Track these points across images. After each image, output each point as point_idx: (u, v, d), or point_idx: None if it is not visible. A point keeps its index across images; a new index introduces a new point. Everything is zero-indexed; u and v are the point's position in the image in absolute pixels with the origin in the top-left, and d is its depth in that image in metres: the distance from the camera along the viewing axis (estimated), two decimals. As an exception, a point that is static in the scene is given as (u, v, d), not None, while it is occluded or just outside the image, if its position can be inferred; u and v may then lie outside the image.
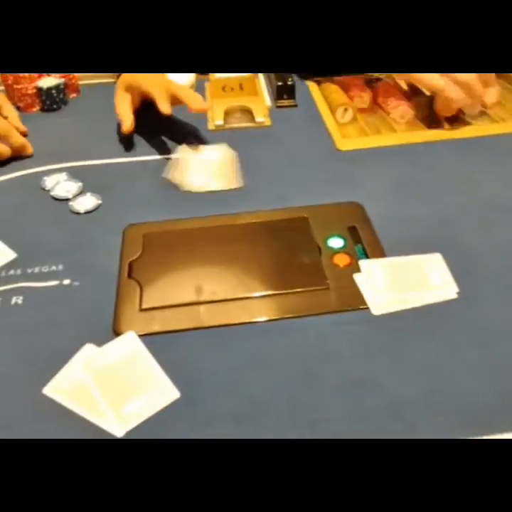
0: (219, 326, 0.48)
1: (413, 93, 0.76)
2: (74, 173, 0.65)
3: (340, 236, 0.56)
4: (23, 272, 0.53)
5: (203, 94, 0.80)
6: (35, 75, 0.77)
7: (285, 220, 0.58)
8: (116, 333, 0.47)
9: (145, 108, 0.71)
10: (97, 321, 0.48)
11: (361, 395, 0.43)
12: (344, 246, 0.55)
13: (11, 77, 0.76)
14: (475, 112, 0.72)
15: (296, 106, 0.77)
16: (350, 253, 0.54)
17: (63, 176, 0.65)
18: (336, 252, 0.54)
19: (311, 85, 0.81)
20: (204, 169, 0.65)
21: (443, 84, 0.66)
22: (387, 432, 0.40)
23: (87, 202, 0.61)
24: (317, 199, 0.60)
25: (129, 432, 0.41)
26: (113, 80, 0.73)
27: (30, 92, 0.77)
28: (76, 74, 0.81)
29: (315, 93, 0.79)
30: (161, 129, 0.71)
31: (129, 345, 0.46)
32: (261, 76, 0.83)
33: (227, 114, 0.75)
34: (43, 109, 0.78)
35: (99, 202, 0.61)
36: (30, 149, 0.69)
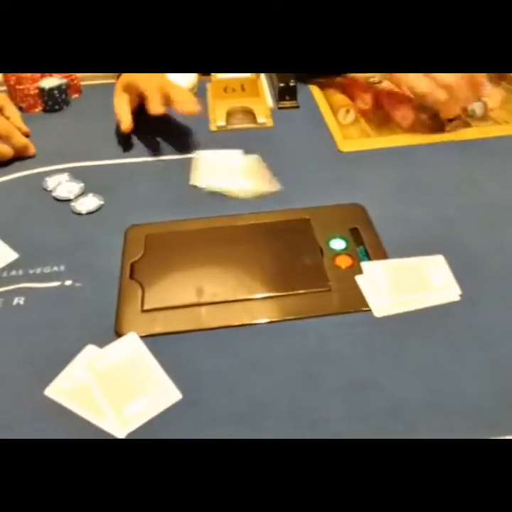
0: (221, 328, 0.48)
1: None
2: (76, 174, 0.65)
3: (342, 238, 0.55)
4: (24, 272, 0.53)
5: (205, 95, 0.80)
6: (38, 75, 0.77)
7: (287, 222, 0.58)
8: (118, 334, 0.47)
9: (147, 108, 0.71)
10: (98, 322, 0.48)
11: (363, 397, 0.42)
12: (346, 248, 0.55)
13: (13, 77, 0.76)
14: (452, 115, 0.70)
15: (298, 107, 0.77)
16: (352, 255, 0.54)
17: (65, 176, 0.65)
18: (338, 253, 0.54)
19: (313, 87, 0.81)
20: (241, 174, 0.64)
21: (427, 90, 0.65)
22: (388, 432, 0.40)
23: (89, 202, 0.61)
24: (319, 200, 0.60)
25: (130, 434, 0.41)
26: (114, 81, 0.73)
27: (32, 92, 0.77)
28: (78, 74, 0.81)
29: (317, 94, 0.79)
30: (164, 129, 0.71)
31: (130, 346, 0.46)
32: (263, 77, 0.83)
33: (229, 115, 0.75)
34: (45, 110, 0.78)
35: (101, 202, 0.61)
36: (32, 150, 0.69)
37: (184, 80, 0.79)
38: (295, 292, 0.50)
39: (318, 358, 0.45)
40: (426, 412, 0.41)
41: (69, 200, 0.62)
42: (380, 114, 0.74)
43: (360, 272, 0.52)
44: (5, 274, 0.53)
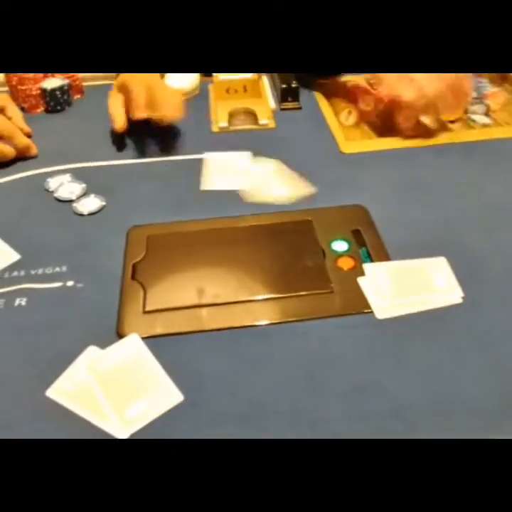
0: (222, 329, 0.48)
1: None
2: (78, 175, 0.65)
3: (344, 239, 0.55)
4: (26, 273, 0.53)
5: (207, 97, 0.80)
6: (40, 76, 0.77)
7: (289, 223, 0.58)
8: (120, 335, 0.47)
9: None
10: (100, 323, 0.48)
11: (364, 398, 0.42)
12: (348, 249, 0.54)
13: (15, 78, 0.76)
14: (430, 122, 0.69)
15: (300, 108, 0.77)
16: (354, 256, 0.54)
17: (67, 177, 0.65)
18: (340, 255, 0.54)
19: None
20: (275, 180, 0.64)
21: (412, 99, 0.65)
22: (388, 432, 0.40)
23: (90, 203, 0.61)
24: (321, 202, 0.60)
25: (132, 435, 0.41)
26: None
27: (34, 93, 0.77)
28: (80, 75, 0.81)
29: (319, 96, 0.79)
30: (165, 130, 0.71)
31: (132, 347, 0.46)
32: (265, 78, 0.83)
33: (231, 116, 0.75)
34: (47, 110, 0.78)
35: (103, 203, 0.61)
36: (34, 150, 0.69)
37: (185, 81, 0.79)
38: (297, 294, 0.50)
39: (320, 359, 0.45)
40: (427, 413, 0.41)
41: (71, 201, 0.62)
42: (382, 115, 0.74)
43: (362, 273, 0.52)
44: (7, 275, 0.53)
